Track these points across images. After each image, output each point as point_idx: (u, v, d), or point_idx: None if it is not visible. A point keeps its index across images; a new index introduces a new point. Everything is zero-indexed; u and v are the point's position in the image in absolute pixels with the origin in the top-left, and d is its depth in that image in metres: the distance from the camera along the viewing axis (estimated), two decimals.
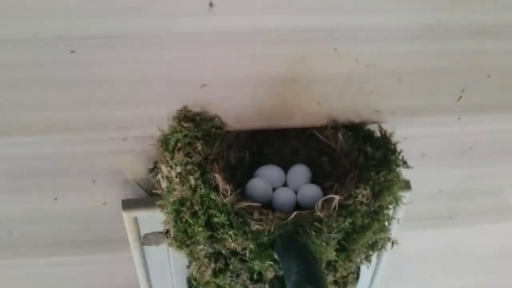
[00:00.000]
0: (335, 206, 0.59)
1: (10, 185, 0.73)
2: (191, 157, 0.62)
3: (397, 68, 0.65)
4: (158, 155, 0.67)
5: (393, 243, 0.70)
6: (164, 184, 0.66)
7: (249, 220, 0.58)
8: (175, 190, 0.62)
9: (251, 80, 0.63)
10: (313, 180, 0.70)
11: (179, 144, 0.64)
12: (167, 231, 0.66)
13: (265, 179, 0.68)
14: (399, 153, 0.67)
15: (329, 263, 0.64)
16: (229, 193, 0.58)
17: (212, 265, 0.62)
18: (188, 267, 0.75)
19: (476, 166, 0.83)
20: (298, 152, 0.72)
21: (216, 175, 0.60)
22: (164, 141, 0.66)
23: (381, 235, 0.65)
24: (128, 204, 0.71)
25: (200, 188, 0.60)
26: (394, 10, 0.58)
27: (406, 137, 0.73)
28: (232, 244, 0.58)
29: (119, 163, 0.72)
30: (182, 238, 0.62)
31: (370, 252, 0.66)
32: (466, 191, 0.88)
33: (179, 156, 0.62)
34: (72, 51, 0.57)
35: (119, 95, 0.63)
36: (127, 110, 0.65)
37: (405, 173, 0.68)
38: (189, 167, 0.61)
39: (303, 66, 0.62)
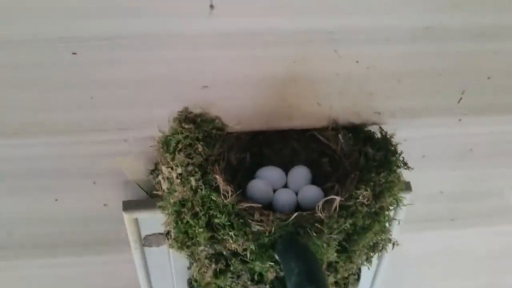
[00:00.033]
0: (336, 207, 0.59)
1: (10, 186, 0.73)
2: (192, 158, 0.62)
3: (398, 70, 0.65)
4: (158, 156, 0.67)
5: (393, 244, 0.70)
6: (164, 185, 0.66)
7: (250, 221, 0.58)
8: (175, 191, 0.62)
9: (251, 81, 0.63)
10: (314, 181, 0.70)
11: (180, 145, 0.64)
12: (168, 232, 0.66)
13: (266, 180, 0.68)
14: (399, 155, 0.67)
15: (330, 264, 0.63)
16: (229, 194, 0.58)
17: (213, 266, 0.62)
18: (189, 268, 0.75)
19: (476, 168, 0.83)
20: (299, 153, 0.72)
21: (217, 176, 0.60)
22: (165, 142, 0.66)
23: (381, 236, 0.65)
24: (128, 205, 0.70)
25: (201, 189, 0.60)
26: (395, 12, 0.58)
27: (407, 138, 0.73)
28: (233, 245, 0.58)
29: (120, 164, 0.72)
30: (183, 239, 0.62)
31: (371, 253, 0.66)
32: (467, 192, 0.88)
33: (180, 157, 0.62)
34: (73, 53, 0.57)
35: (120, 96, 0.63)
36: (128, 111, 0.65)
37: (405, 175, 0.68)
38: (190, 168, 0.61)
39: (303, 67, 0.62)
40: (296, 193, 0.68)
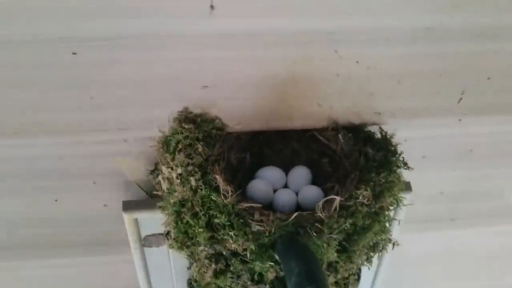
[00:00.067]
0: (336, 207, 0.59)
1: (10, 186, 0.73)
2: (191, 158, 0.62)
3: (398, 70, 0.65)
4: (158, 157, 0.67)
5: (394, 244, 0.70)
6: (164, 186, 0.66)
7: (250, 221, 0.58)
8: (175, 191, 0.62)
9: (252, 82, 0.63)
10: (314, 182, 0.70)
11: (179, 146, 0.64)
12: (168, 233, 0.66)
13: (266, 181, 0.68)
14: (399, 155, 0.67)
15: (330, 264, 0.63)
16: (229, 194, 0.58)
17: (213, 266, 0.62)
18: (188, 268, 0.75)
19: (476, 168, 0.83)
20: (299, 154, 0.72)
21: (217, 176, 0.60)
22: (165, 143, 0.66)
23: (382, 236, 0.65)
24: (128, 206, 0.70)
25: (201, 189, 0.60)
26: (395, 12, 0.58)
27: (407, 138, 0.73)
28: (232, 245, 0.58)
29: (120, 164, 0.72)
30: (183, 239, 0.62)
31: (371, 254, 0.66)
32: (467, 193, 0.88)
33: (180, 157, 0.62)
34: (73, 53, 0.57)
35: (120, 97, 0.63)
36: (128, 111, 0.65)
37: (405, 175, 0.68)
38: (189, 168, 0.61)
39: (303, 67, 0.62)
40: (296, 193, 0.68)
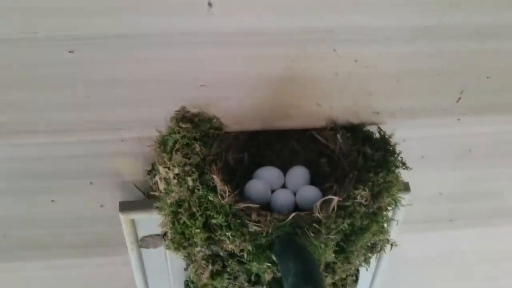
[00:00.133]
0: (334, 207, 0.59)
1: (6, 187, 0.72)
2: (189, 158, 0.62)
3: (397, 69, 0.65)
4: (155, 156, 0.67)
5: (392, 245, 0.69)
6: (161, 186, 0.66)
7: (247, 222, 0.57)
8: (172, 191, 0.62)
9: (250, 81, 0.63)
10: (312, 182, 0.69)
11: (177, 145, 0.63)
12: (165, 234, 0.66)
13: (264, 181, 0.67)
14: (398, 154, 0.66)
15: (327, 265, 0.63)
16: (227, 194, 0.58)
17: (210, 267, 0.62)
18: (185, 269, 0.75)
19: (476, 168, 0.83)
20: (297, 154, 0.72)
21: (214, 176, 0.59)
22: (162, 142, 0.65)
23: (380, 237, 0.65)
24: (125, 206, 0.70)
25: (198, 189, 0.59)
26: (394, 11, 0.58)
27: (406, 138, 0.72)
28: (229, 246, 0.58)
29: (117, 164, 0.72)
30: (180, 240, 0.62)
31: (369, 254, 0.66)
32: (466, 193, 0.88)
33: (177, 157, 0.62)
34: (70, 51, 0.57)
35: (116, 96, 0.62)
36: (125, 110, 0.64)
37: (404, 175, 0.68)
38: (187, 168, 0.61)
39: (302, 66, 0.62)
40: (295, 194, 0.67)
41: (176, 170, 0.61)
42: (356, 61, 0.63)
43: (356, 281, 0.74)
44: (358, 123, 0.70)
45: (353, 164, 0.65)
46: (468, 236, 0.98)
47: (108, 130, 0.66)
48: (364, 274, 0.82)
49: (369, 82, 0.65)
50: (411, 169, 0.67)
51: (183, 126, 0.63)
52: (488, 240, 1.00)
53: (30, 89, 0.60)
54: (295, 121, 0.69)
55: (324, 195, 0.63)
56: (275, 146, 0.72)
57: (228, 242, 0.57)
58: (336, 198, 0.59)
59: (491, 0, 0.59)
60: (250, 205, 0.59)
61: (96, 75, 0.60)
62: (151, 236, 0.73)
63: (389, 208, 0.65)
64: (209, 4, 0.54)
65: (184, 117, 0.64)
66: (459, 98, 0.70)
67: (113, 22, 0.55)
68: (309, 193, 0.66)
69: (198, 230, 0.59)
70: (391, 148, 0.67)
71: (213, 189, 0.59)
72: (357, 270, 0.75)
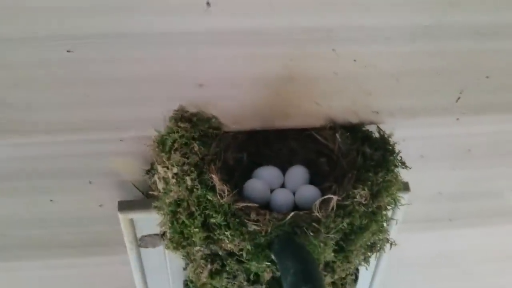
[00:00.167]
0: (333, 206, 0.59)
1: (4, 187, 0.72)
2: (187, 158, 0.61)
3: (396, 69, 0.65)
4: (154, 156, 0.67)
5: (391, 244, 0.69)
6: (160, 185, 0.66)
7: (246, 221, 0.57)
8: (171, 191, 0.62)
9: (248, 80, 0.63)
10: (312, 181, 0.69)
11: (175, 145, 0.63)
12: (164, 233, 0.66)
13: (263, 180, 0.67)
14: (397, 154, 0.66)
15: (327, 264, 0.63)
16: (226, 193, 0.58)
17: (209, 266, 0.61)
18: (184, 269, 0.75)
19: (475, 168, 0.83)
20: (296, 153, 0.72)
21: (213, 176, 0.59)
22: (161, 142, 0.65)
23: (379, 236, 0.65)
24: (124, 206, 0.70)
25: (197, 189, 0.59)
26: (393, 10, 0.58)
27: (405, 138, 0.72)
28: (228, 245, 0.58)
29: (116, 164, 0.72)
30: (178, 240, 0.61)
31: (369, 253, 0.66)
32: (466, 193, 0.87)
33: (175, 156, 0.62)
34: (68, 51, 0.56)
35: (115, 95, 0.62)
36: (123, 110, 0.64)
37: (404, 175, 0.67)
38: (185, 167, 0.61)
39: (301, 66, 0.62)
40: (294, 193, 0.67)
41: (175, 170, 0.61)
42: (355, 60, 0.62)
43: (355, 280, 0.74)
44: (357, 123, 0.70)
45: (352, 164, 0.65)
46: (468, 236, 0.97)
47: (107, 130, 0.66)
48: (364, 274, 0.82)
49: (369, 81, 0.65)
50: (410, 168, 0.67)
51: (182, 125, 0.63)
52: (488, 240, 1.00)
53: (29, 89, 0.60)
54: (294, 121, 0.69)
55: (323, 195, 0.62)
56: (274, 145, 0.72)
57: (227, 241, 0.57)
58: (335, 198, 0.59)
59: (491, 0, 0.59)
60: (249, 204, 0.59)
61: (95, 74, 0.59)
62: (150, 235, 0.73)
63: (388, 207, 0.65)
64: (208, 4, 0.54)
65: (182, 117, 0.64)
66: (459, 98, 0.70)
67: (112, 21, 0.55)
68: (308, 192, 0.65)
69: (197, 230, 0.59)
70: (391, 148, 0.67)
71: (212, 189, 0.59)
72: (357, 270, 0.74)
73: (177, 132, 0.63)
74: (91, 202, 0.77)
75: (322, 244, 0.57)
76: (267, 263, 0.59)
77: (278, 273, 0.60)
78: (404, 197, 0.68)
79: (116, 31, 0.55)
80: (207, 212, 0.58)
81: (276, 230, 0.57)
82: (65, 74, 0.59)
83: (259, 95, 0.65)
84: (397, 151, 0.67)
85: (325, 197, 0.60)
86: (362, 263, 0.66)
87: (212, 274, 0.62)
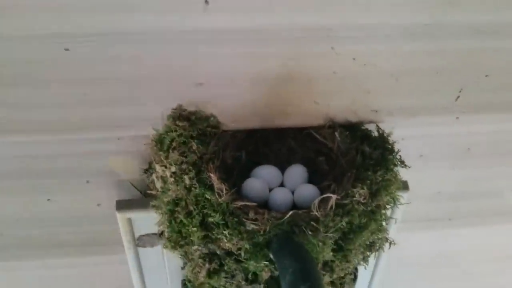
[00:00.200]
0: (332, 205, 0.58)
1: (1, 186, 0.72)
2: (186, 157, 0.61)
3: (395, 67, 0.64)
4: (152, 155, 0.67)
5: (390, 243, 0.69)
6: (158, 185, 0.66)
7: (245, 220, 0.57)
8: (169, 190, 0.61)
9: (247, 79, 0.63)
10: (311, 180, 0.69)
11: (174, 144, 0.63)
12: (162, 233, 0.66)
13: (262, 179, 0.67)
14: (396, 153, 0.66)
15: (325, 264, 0.63)
16: (224, 192, 0.58)
17: (207, 265, 0.61)
18: (182, 268, 0.75)
19: (475, 167, 0.82)
20: (295, 152, 0.72)
21: (211, 175, 0.59)
22: (159, 141, 0.65)
23: (378, 236, 0.65)
24: (122, 205, 0.70)
25: (195, 188, 0.59)
26: (392, 9, 0.58)
27: (404, 137, 0.72)
28: (227, 244, 0.58)
29: (114, 163, 0.72)
30: (176, 239, 0.61)
31: (368, 253, 0.66)
32: (465, 192, 0.87)
33: (173, 155, 0.62)
34: (66, 49, 0.56)
35: (113, 94, 0.62)
36: (121, 109, 0.64)
37: (403, 174, 0.67)
38: (184, 166, 0.61)
39: (299, 64, 0.62)
40: (292, 192, 0.67)
41: (173, 169, 0.61)
42: (354, 59, 0.62)
43: (354, 279, 0.74)
44: (356, 122, 0.70)
45: (352, 163, 0.65)
46: (468, 235, 0.97)
47: (105, 129, 0.66)
48: (363, 273, 0.82)
49: (368, 80, 0.65)
50: (409, 167, 0.67)
51: (180, 124, 0.63)
52: (487, 239, 1.00)
53: (26, 87, 0.60)
54: (293, 119, 0.69)
55: (322, 194, 0.62)
56: (273, 144, 0.72)
57: (225, 240, 0.57)
58: (334, 196, 0.59)
59: None
60: (247, 203, 0.59)
61: (92, 73, 0.59)
62: (148, 235, 0.73)
63: (387, 206, 0.65)
64: (206, 2, 0.54)
65: (181, 115, 0.64)
66: (458, 97, 0.70)
67: (109, 19, 0.54)
68: (307, 191, 0.65)
69: (195, 229, 0.58)
70: (390, 147, 0.67)
71: (210, 188, 0.59)
72: (356, 269, 0.74)
73: (175, 131, 0.63)
74: (89, 202, 0.76)
75: (320, 243, 0.57)
76: (265, 262, 0.58)
77: (276, 273, 0.60)
78: (403, 196, 0.67)
79: (114, 30, 0.55)
80: (205, 211, 0.58)
81: (275, 229, 0.57)
82: (63, 73, 0.59)
83: (258, 94, 0.65)
84: (396, 150, 0.67)
85: (324, 196, 0.60)
86: (361, 262, 0.66)
87: (210, 274, 0.62)
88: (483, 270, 1.10)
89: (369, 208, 0.60)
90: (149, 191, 0.70)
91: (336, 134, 0.68)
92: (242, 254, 0.58)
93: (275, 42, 0.59)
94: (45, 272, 0.88)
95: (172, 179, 0.61)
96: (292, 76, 0.63)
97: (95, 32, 0.55)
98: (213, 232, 0.58)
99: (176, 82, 0.62)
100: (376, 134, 0.69)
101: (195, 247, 0.60)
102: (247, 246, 0.57)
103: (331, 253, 0.60)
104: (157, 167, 0.64)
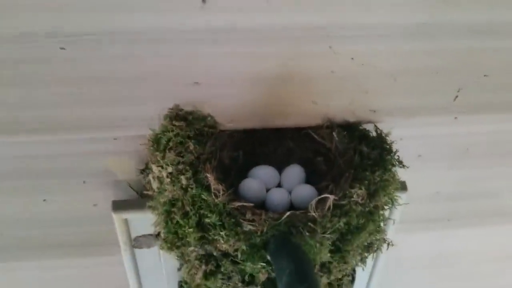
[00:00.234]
0: (330, 206, 0.58)
1: (1, 186, 0.71)
2: (182, 157, 0.61)
3: (393, 67, 0.64)
4: (149, 155, 0.66)
5: (388, 244, 0.69)
6: (155, 185, 0.65)
7: (242, 221, 0.57)
8: (166, 190, 0.61)
9: (245, 79, 0.62)
10: (309, 181, 0.69)
11: (170, 144, 0.62)
12: (158, 233, 0.65)
13: (259, 180, 0.67)
14: (395, 153, 0.66)
15: (323, 265, 0.63)
16: (221, 193, 0.57)
17: (203, 267, 0.61)
18: (179, 269, 0.74)
19: (473, 167, 0.82)
20: (293, 152, 0.72)
21: (208, 175, 0.59)
22: (155, 141, 0.64)
23: (376, 236, 0.64)
24: (118, 206, 0.70)
25: (192, 188, 0.58)
26: (391, 8, 0.58)
27: (402, 137, 0.72)
28: (223, 245, 0.57)
29: (110, 163, 0.71)
30: (173, 240, 0.61)
31: (365, 254, 0.65)
32: (464, 192, 0.87)
33: (170, 155, 0.61)
34: (62, 48, 0.56)
35: (110, 93, 0.61)
36: (118, 108, 0.63)
37: (401, 174, 0.67)
38: (180, 166, 0.60)
39: (297, 64, 0.62)
40: (290, 193, 0.66)
41: (170, 169, 0.61)
42: (352, 58, 0.62)
43: (352, 281, 0.74)
44: (354, 122, 0.70)
45: (349, 163, 0.64)
46: (467, 236, 0.97)
47: (101, 129, 0.65)
48: (361, 274, 0.82)
49: (366, 80, 0.65)
50: (408, 167, 0.67)
51: (177, 124, 0.63)
52: (486, 240, 1.00)
53: (22, 87, 0.59)
54: (291, 119, 0.68)
55: (320, 194, 0.62)
56: (270, 144, 0.72)
57: (222, 241, 0.57)
58: (331, 197, 0.58)
59: None
60: (244, 204, 0.58)
61: (88, 72, 0.59)
62: (144, 236, 0.73)
63: (385, 207, 0.64)
64: (203, 1, 0.53)
65: (177, 115, 0.64)
66: (456, 97, 0.69)
67: (106, 18, 0.54)
68: (305, 192, 0.65)
69: (191, 230, 0.58)
70: (388, 147, 0.67)
71: (207, 188, 0.58)
72: (354, 270, 0.74)
73: (172, 130, 0.62)
74: (85, 202, 0.76)
75: (318, 244, 0.57)
76: (262, 263, 0.58)
77: (273, 274, 0.60)
78: (401, 197, 0.67)
79: (110, 29, 0.55)
80: (202, 211, 0.58)
81: (272, 230, 0.56)
82: (59, 72, 0.58)
83: (255, 93, 0.64)
84: (394, 150, 0.67)
85: (322, 196, 0.60)
86: (359, 263, 0.66)
87: (207, 275, 0.61)
88: (482, 271, 1.09)
89: (367, 209, 0.60)
90: (145, 192, 0.70)
91: (334, 134, 0.68)
92: (239, 255, 0.58)
93: (272, 41, 0.59)
94: (39, 273, 0.87)
95: (169, 180, 0.61)
96: (290, 76, 0.63)
97: (92, 31, 0.55)
98: (210, 233, 0.57)
99: (173, 81, 0.61)
100: (374, 134, 0.69)
101: (192, 248, 0.60)
102: (244, 247, 0.56)
103: (329, 254, 0.59)
104: (154, 167, 0.64)
